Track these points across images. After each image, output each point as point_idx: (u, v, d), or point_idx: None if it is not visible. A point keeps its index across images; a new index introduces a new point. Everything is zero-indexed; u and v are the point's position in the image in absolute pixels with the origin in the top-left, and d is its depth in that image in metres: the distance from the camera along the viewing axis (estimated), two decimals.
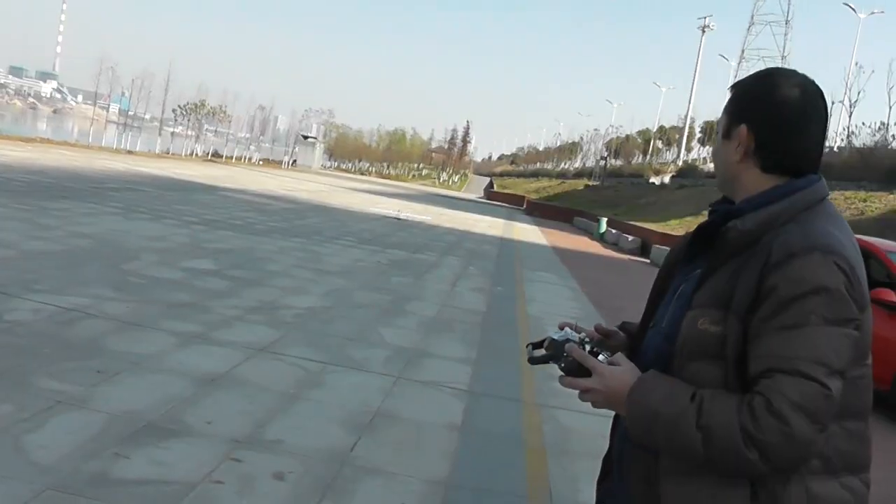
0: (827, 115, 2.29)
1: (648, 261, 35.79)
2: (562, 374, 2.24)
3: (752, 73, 2.39)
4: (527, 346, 2.36)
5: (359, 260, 17.73)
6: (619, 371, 2.19)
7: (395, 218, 36.76)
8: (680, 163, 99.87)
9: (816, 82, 2.29)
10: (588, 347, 2.25)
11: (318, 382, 7.65)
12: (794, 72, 2.31)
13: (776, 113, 2.24)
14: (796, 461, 2.01)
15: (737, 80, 2.36)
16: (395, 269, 17.28)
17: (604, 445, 6.82)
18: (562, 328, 2.33)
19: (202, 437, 5.71)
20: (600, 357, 2.22)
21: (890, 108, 64.70)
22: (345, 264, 16.62)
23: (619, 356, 2.26)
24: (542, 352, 2.31)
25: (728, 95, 2.35)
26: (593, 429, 7.57)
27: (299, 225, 23.99)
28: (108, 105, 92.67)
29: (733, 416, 1.97)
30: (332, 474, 5.40)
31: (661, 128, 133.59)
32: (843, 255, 2.06)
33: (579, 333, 2.30)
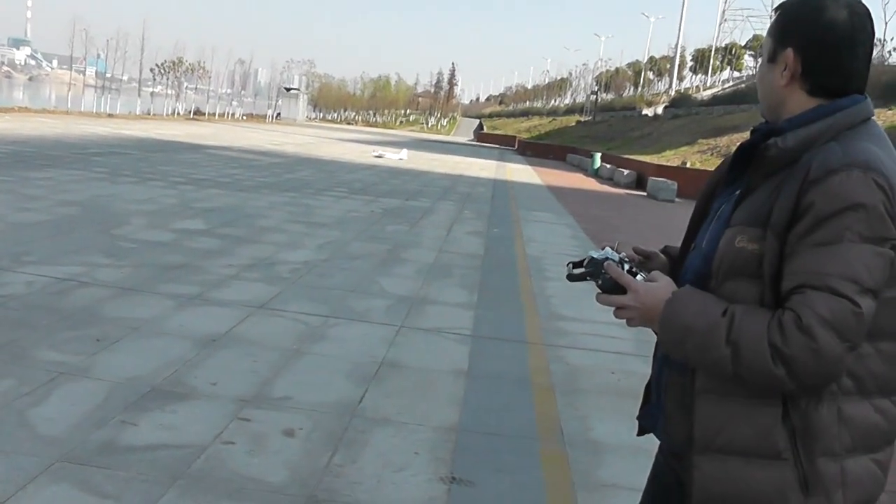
0: (874, 35, 2.26)
1: (645, 194, 35.82)
2: (598, 291, 2.26)
3: None
4: (567, 265, 2.35)
5: (352, 210, 17.73)
6: (655, 287, 2.21)
7: (377, 156, 37.20)
8: (672, 93, 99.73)
9: (863, 2, 2.24)
10: (627, 267, 2.26)
11: (321, 336, 7.68)
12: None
13: (823, 36, 2.20)
14: (824, 378, 2.02)
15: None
16: (390, 218, 17.29)
17: (612, 381, 6.89)
18: (603, 248, 2.33)
19: (208, 399, 5.74)
20: (638, 277, 2.24)
21: (885, 23, 64.46)
22: (338, 216, 16.62)
23: (657, 273, 2.28)
24: (581, 270, 2.31)
25: (772, 17, 2.31)
26: (601, 365, 7.69)
27: (289, 179, 23.98)
28: (84, 69, 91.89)
29: (763, 331, 1.98)
30: (342, 427, 5.43)
31: (652, 58, 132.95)
32: (883, 173, 2.05)
33: (619, 254, 2.30)
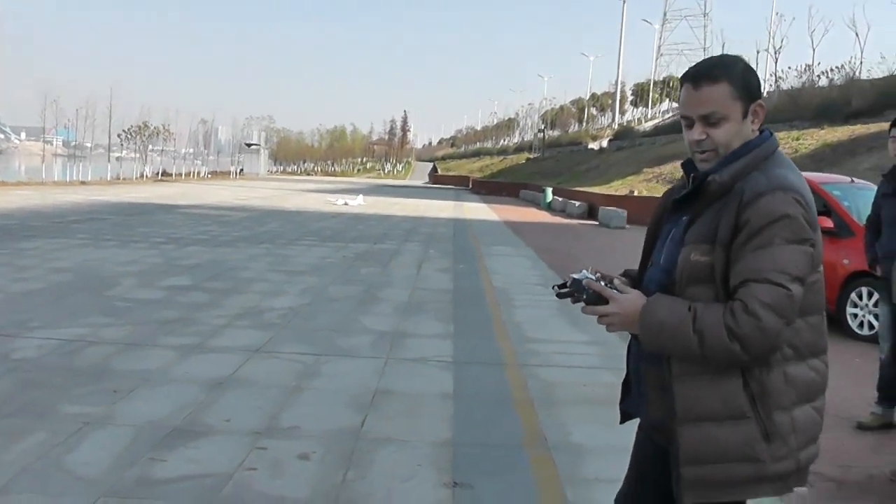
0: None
1: (597, 223, 36.49)
2: (584, 304, 2.77)
3: (721, 58, 2.89)
4: (552, 287, 2.87)
5: (325, 257, 18.11)
6: (630, 296, 2.72)
7: (345, 203, 37.76)
8: (615, 126, 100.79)
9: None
10: (603, 283, 2.77)
11: (316, 373, 8.06)
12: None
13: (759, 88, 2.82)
14: (769, 349, 2.57)
15: (715, 66, 2.79)
16: (361, 262, 17.68)
17: (584, 392, 7.34)
18: (580, 271, 2.82)
19: (225, 434, 6.12)
20: (614, 291, 2.75)
21: (813, 49, 65.86)
22: (313, 262, 17.00)
23: (626, 287, 2.79)
24: (566, 290, 2.80)
25: (715, 85, 2.73)
26: (573, 379, 8.19)
27: (261, 231, 24.32)
28: (53, 138, 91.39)
29: (720, 318, 2.52)
30: (350, 448, 5.85)
31: (594, 95, 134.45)
32: (799, 191, 2.66)
33: (595, 274, 2.80)
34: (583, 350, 9.67)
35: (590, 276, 2.79)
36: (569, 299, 2.83)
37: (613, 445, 6.19)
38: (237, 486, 5.15)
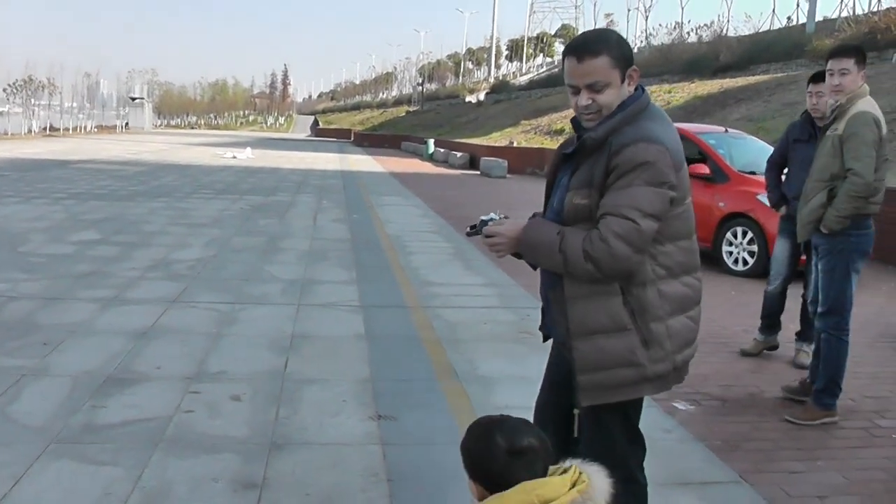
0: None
1: (479, 173, 36.86)
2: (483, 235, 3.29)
3: (598, 32, 3.28)
4: (466, 228, 3.43)
5: (223, 209, 18.05)
6: (514, 222, 3.26)
7: (233, 156, 37.61)
8: (492, 80, 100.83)
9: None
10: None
11: (234, 319, 8.20)
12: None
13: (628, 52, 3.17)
14: (620, 272, 2.99)
15: (594, 41, 3.13)
16: (259, 213, 17.71)
17: (486, 330, 7.66)
18: (488, 214, 3.35)
19: (158, 380, 6.25)
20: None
21: (682, 8, 67.32)
22: (212, 215, 16.95)
23: (510, 219, 3.32)
24: (474, 229, 3.35)
25: (597, 58, 3.08)
26: (474, 319, 8.54)
27: (157, 186, 23.98)
28: None
29: (579, 242, 2.97)
30: (277, 388, 6.06)
31: (470, 50, 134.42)
32: (662, 142, 3.00)
33: (501, 215, 3.33)
34: (479, 292, 10.04)
35: (495, 216, 3.31)
36: (478, 237, 3.32)
37: (518, 376, 6.58)
38: (179, 427, 5.31)
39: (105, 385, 6.09)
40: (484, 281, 10.65)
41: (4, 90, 77.86)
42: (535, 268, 3.35)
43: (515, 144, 43.97)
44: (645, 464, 3.40)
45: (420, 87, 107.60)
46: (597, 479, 2.29)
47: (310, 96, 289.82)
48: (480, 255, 12.30)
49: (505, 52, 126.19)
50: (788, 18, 58.59)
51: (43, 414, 5.48)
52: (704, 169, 12.50)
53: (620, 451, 3.25)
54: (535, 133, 46.81)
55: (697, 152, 13.16)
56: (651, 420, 5.77)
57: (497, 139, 48.92)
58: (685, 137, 13.75)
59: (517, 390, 6.07)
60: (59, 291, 9.27)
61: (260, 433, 5.23)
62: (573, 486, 2.25)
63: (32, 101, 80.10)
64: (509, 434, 2.34)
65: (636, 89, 3.18)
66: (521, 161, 37.80)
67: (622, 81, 3.10)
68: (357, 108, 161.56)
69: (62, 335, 7.41)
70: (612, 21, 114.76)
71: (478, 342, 7.65)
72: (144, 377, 6.33)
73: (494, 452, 2.31)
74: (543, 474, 2.30)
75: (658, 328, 3.07)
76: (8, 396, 5.79)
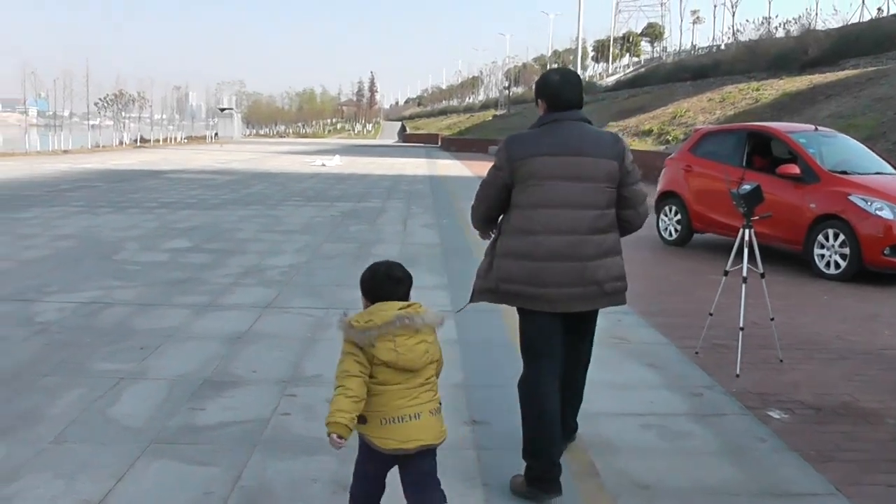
0: (561, 84, 4.70)
1: None
2: None
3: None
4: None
5: (314, 216, 18.32)
6: None
7: (322, 164, 38.27)
8: None
9: (561, 69, 5.03)
10: None
11: (328, 324, 8.30)
12: (556, 69, 5.09)
13: (542, 89, 4.81)
14: (476, 226, 5.19)
15: None
16: (349, 219, 17.95)
17: None
18: None
19: (255, 384, 6.39)
20: None
21: (769, 2, 66.31)
22: (303, 222, 17.21)
23: None
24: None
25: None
26: None
27: (247, 194, 24.45)
28: (26, 109, 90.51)
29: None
30: None
31: (556, 52, 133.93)
32: (509, 140, 4.77)
33: None
34: None
35: None
36: None
37: (610, 382, 6.56)
38: (275, 429, 5.43)
39: (202, 388, 6.25)
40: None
41: (96, 104, 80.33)
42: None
43: None
44: (738, 473, 3.48)
45: (506, 91, 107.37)
46: (431, 311, 3.97)
47: (396, 102, 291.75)
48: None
49: (591, 53, 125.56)
50: (879, 10, 57.31)
51: (142, 416, 5.64)
52: (794, 169, 12.27)
53: None
54: (624, 134, 46.44)
55: (787, 152, 12.95)
56: (744, 428, 5.72)
57: None
58: (773, 136, 13.65)
59: (610, 396, 6.10)
60: (154, 298, 9.53)
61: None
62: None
63: (123, 114, 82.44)
64: (387, 267, 4.02)
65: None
66: None
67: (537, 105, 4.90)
68: (444, 113, 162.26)
69: (158, 340, 7.62)
70: (698, 17, 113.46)
71: None
72: (241, 380, 6.47)
73: (376, 276, 3.99)
74: (406, 297, 3.98)
75: (496, 262, 4.83)
76: (107, 399, 5.98)
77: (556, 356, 4.79)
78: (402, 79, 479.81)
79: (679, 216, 14.97)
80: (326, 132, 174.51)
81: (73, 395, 6.04)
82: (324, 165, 42.13)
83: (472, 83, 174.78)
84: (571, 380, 5.00)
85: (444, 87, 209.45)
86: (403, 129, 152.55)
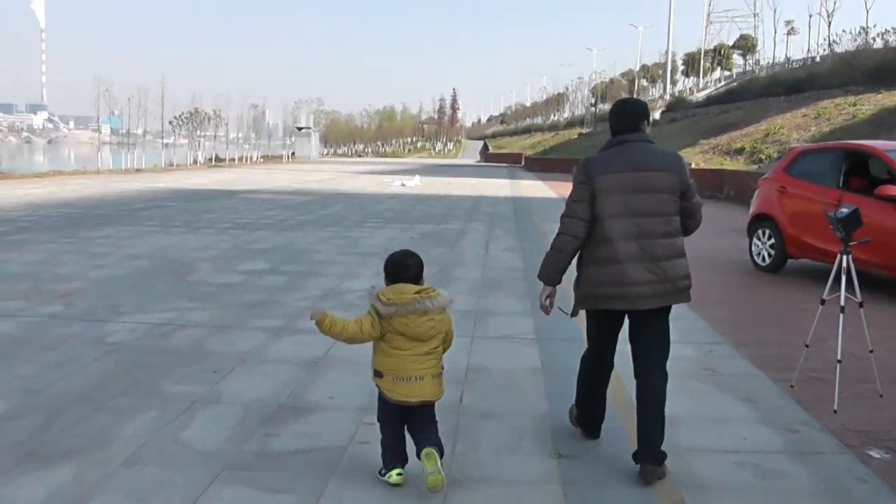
0: (620, 112, 5.63)
1: None
2: None
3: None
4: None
5: (393, 238, 18.40)
6: None
7: (402, 184, 38.59)
8: (667, 97, 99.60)
9: (622, 98, 6.21)
10: None
11: None
12: (621, 99, 6.13)
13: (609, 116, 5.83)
14: (560, 247, 5.71)
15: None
16: (429, 242, 18.05)
17: (669, 367, 7.45)
18: None
19: (331, 410, 6.43)
20: None
21: (867, 11, 65.27)
22: (382, 244, 17.29)
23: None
24: None
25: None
26: None
27: (325, 215, 24.74)
28: (99, 127, 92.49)
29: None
30: (453, 423, 6.11)
31: (644, 66, 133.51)
32: (585, 161, 5.54)
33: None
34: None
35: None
36: None
37: (702, 416, 6.48)
38: (353, 458, 5.45)
39: (277, 413, 6.31)
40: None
41: (170, 122, 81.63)
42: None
43: (693, 165, 43.21)
44: None
45: (592, 108, 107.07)
46: (441, 296, 5.11)
47: (479, 120, 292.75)
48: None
49: (681, 67, 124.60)
50: None
51: (215, 440, 5.71)
52: (894, 190, 11.98)
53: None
54: (714, 153, 46.04)
55: (886, 171, 12.67)
56: (843, 468, 5.58)
57: None
58: (870, 155, 13.38)
59: (701, 431, 6.03)
60: (229, 320, 9.66)
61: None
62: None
63: (198, 132, 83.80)
64: (402, 255, 5.25)
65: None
66: (699, 183, 36.39)
67: None
68: (527, 131, 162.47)
69: (232, 363, 7.72)
70: (792, 28, 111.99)
71: None
72: (317, 406, 6.52)
73: (393, 262, 5.19)
74: (417, 278, 5.18)
75: (581, 273, 5.83)
76: (179, 422, 6.07)
77: (612, 350, 5.97)
78: (484, 96, 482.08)
79: (773, 240, 14.71)
80: (406, 151, 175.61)
81: (144, 418, 6.15)
82: (403, 186, 42.42)
83: (557, 100, 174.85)
84: (649, 386, 5.49)
85: (527, 104, 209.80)
86: (485, 147, 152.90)
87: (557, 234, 5.66)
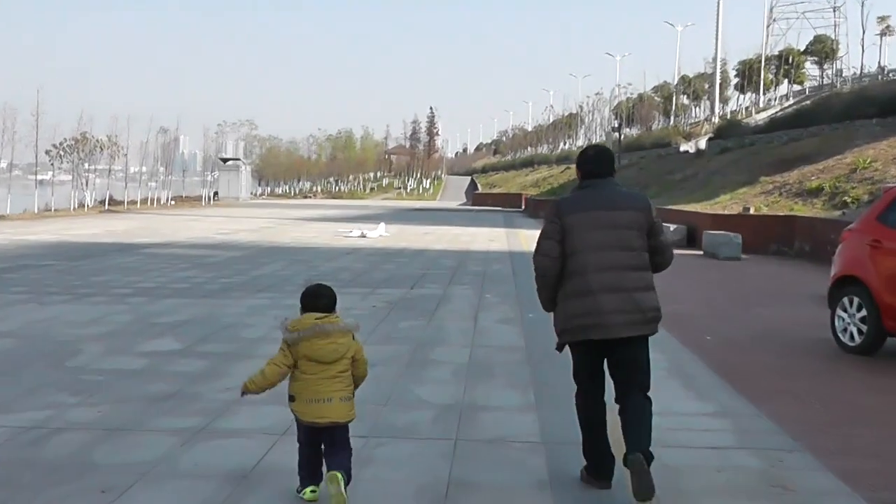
0: (597, 158, 7.85)
1: (701, 252, 36.20)
2: None
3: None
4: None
5: (350, 308, 18.17)
6: None
7: (362, 234, 39.23)
8: (716, 119, 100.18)
9: (596, 146, 8.68)
10: None
11: (369, 458, 8.26)
12: (592, 145, 8.71)
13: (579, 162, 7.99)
14: (541, 283, 7.85)
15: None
16: (399, 312, 18.05)
17: (718, 481, 7.50)
18: None
19: None
20: None
21: None
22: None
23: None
24: None
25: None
26: (702, 463, 8.36)
27: (259, 276, 24.79)
28: None
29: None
30: None
31: (684, 78, 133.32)
32: (557, 202, 7.77)
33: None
34: (709, 424, 9.85)
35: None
36: None
37: None
38: None
39: None
40: (714, 409, 10.44)
41: (48, 153, 78.87)
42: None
43: (753, 211, 43.36)
44: None
45: (616, 133, 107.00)
46: (343, 321, 7.15)
47: (464, 150, 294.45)
48: (707, 369, 12.13)
49: (734, 80, 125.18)
50: None
51: None
52: None
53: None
54: (781, 194, 45.93)
55: None
56: None
57: (726, 204, 48.25)
58: None
59: None
60: (125, 420, 9.56)
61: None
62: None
63: (86, 165, 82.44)
64: (316, 287, 7.39)
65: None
66: (760, 235, 37.27)
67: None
68: (530, 163, 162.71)
69: (128, 479, 7.61)
70: (887, 28, 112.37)
71: (710, 497, 7.47)
72: None
73: (307, 294, 7.27)
74: (326, 310, 7.18)
75: (559, 306, 7.76)
76: None
77: (598, 382, 7.88)
78: (471, 118, 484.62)
79: (864, 312, 14.30)
80: (368, 191, 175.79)
81: None
82: (364, 237, 42.45)
83: (569, 122, 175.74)
84: (627, 405, 7.56)
85: (529, 128, 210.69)
86: (474, 185, 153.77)
87: (535, 273, 7.89)
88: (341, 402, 7.08)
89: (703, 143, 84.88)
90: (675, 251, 29.84)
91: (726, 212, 44.68)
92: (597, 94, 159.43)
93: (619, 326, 7.40)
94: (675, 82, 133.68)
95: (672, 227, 42.70)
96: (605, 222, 7.50)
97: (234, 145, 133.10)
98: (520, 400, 10.78)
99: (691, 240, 40.90)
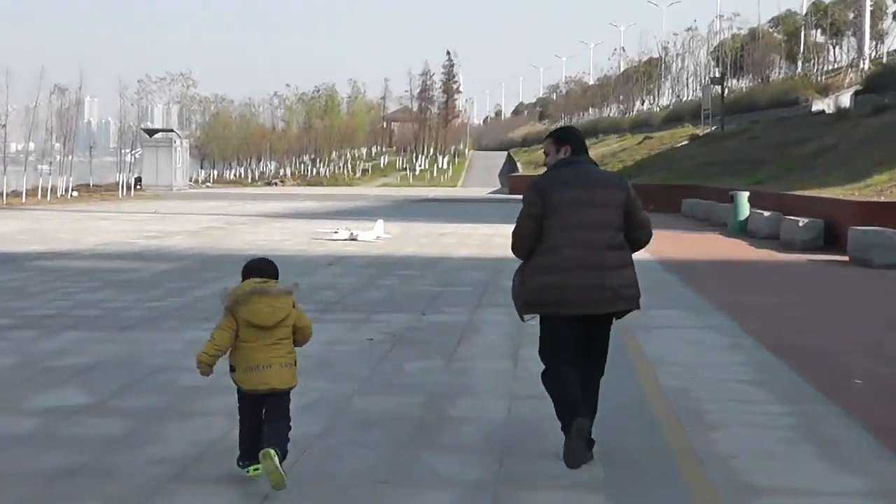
0: (578, 135, 11.70)
1: (845, 258, 35.50)
2: None
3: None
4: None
5: (334, 342, 18.07)
6: None
7: (351, 236, 39.13)
8: (866, 65, 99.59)
9: (569, 126, 29.31)
10: None
11: None
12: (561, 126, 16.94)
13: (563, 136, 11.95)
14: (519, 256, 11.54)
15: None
16: (405, 348, 18.04)
17: None
18: None
19: None
20: None
21: None
22: (316, 353, 16.47)
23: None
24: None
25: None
26: None
27: (202, 298, 24.68)
28: None
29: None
30: None
31: (818, 4, 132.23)
32: (536, 181, 11.20)
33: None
34: None
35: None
36: None
37: None
38: None
39: None
40: (867, 486, 10.32)
41: None
42: None
43: None
44: None
45: (717, 87, 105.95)
46: (281, 284, 10.17)
47: (497, 114, 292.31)
48: (857, 427, 12.13)
49: (892, 5, 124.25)
50: None
51: None
52: None
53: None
54: None
55: None
56: None
57: (882, 187, 47.68)
58: None
59: None
60: None
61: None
62: None
63: None
64: (257, 262, 10.71)
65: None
66: None
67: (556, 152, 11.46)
68: (592, 132, 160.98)
69: None
70: None
71: None
72: None
73: (248, 267, 10.53)
74: (268, 277, 10.30)
75: (526, 280, 11.15)
76: None
77: (573, 359, 10.70)
78: (506, 69, 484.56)
79: None
80: (360, 174, 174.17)
81: None
82: (354, 240, 42.38)
83: (647, 72, 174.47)
84: (586, 389, 10.79)
85: (590, 80, 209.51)
86: (511, 165, 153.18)
87: (512, 248, 11.25)
88: (282, 369, 9.71)
89: (846, 100, 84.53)
90: (806, 254, 30.78)
91: (883, 198, 44.16)
92: (688, 29, 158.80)
93: (587, 304, 10.57)
94: (805, 11, 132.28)
95: (801, 221, 41.91)
96: (585, 200, 10.51)
97: (163, 111, 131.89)
98: (582, 476, 10.67)
99: (830, 239, 40.55)
